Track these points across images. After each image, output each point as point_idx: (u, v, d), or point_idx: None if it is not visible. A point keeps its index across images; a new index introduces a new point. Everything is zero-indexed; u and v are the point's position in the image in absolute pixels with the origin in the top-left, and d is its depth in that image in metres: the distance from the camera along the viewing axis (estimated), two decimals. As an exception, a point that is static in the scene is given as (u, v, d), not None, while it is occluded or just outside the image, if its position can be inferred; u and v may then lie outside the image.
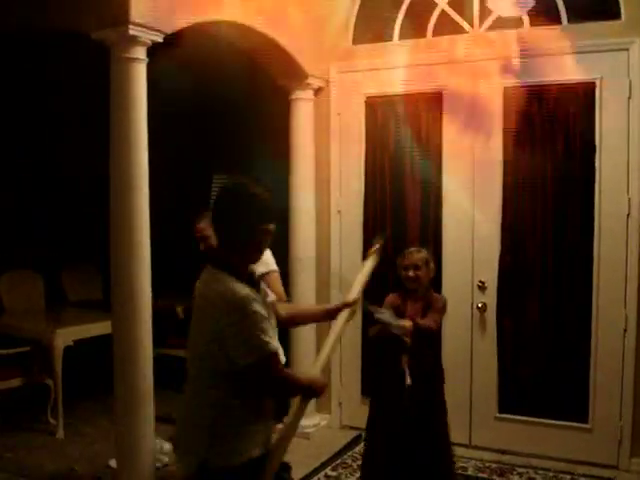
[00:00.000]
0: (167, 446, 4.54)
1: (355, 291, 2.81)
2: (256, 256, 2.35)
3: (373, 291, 3.23)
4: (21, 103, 6.11)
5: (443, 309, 3.77)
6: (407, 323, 3.54)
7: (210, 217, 2.40)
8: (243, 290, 2.21)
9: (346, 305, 2.71)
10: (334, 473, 4.38)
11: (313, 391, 2.43)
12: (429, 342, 3.68)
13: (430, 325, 3.61)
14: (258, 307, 2.21)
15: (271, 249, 3.43)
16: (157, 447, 4.09)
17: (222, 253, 2.31)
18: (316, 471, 4.35)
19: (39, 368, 5.06)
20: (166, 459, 4.36)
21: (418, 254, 3.77)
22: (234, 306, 2.18)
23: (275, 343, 2.27)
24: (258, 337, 2.19)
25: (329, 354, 2.61)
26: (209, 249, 3.57)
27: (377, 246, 3.07)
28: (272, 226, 2.30)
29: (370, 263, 2.98)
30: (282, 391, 2.41)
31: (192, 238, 3.75)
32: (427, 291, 3.78)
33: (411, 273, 3.70)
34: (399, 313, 3.63)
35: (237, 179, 2.39)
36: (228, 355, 2.20)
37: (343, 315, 2.69)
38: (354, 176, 5.03)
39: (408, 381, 3.60)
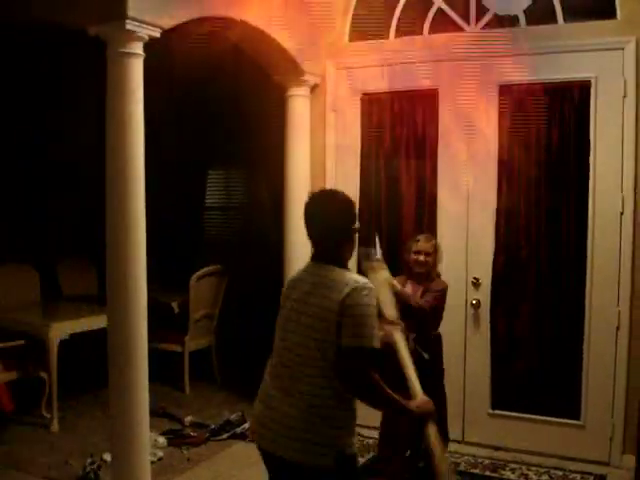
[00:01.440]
0: (161, 440, 4.56)
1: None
2: (352, 251, 2.57)
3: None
4: (20, 99, 6.10)
5: (440, 293, 3.86)
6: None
7: None
8: (364, 279, 2.41)
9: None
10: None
11: (423, 414, 2.53)
12: (420, 324, 3.74)
13: (420, 304, 3.73)
14: (375, 300, 2.37)
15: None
16: (151, 441, 4.10)
17: (330, 251, 2.48)
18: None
19: (34, 362, 5.05)
20: (160, 453, 4.37)
21: (430, 241, 3.94)
22: (358, 293, 2.31)
23: (377, 342, 2.34)
24: (371, 327, 2.30)
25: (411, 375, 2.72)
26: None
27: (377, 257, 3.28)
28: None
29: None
30: (364, 392, 2.40)
31: (187, 233, 3.75)
32: (431, 277, 3.91)
33: (422, 258, 3.87)
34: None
35: (325, 189, 2.79)
36: (335, 340, 2.30)
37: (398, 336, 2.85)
38: (350, 172, 5.02)
39: (426, 356, 3.65)
